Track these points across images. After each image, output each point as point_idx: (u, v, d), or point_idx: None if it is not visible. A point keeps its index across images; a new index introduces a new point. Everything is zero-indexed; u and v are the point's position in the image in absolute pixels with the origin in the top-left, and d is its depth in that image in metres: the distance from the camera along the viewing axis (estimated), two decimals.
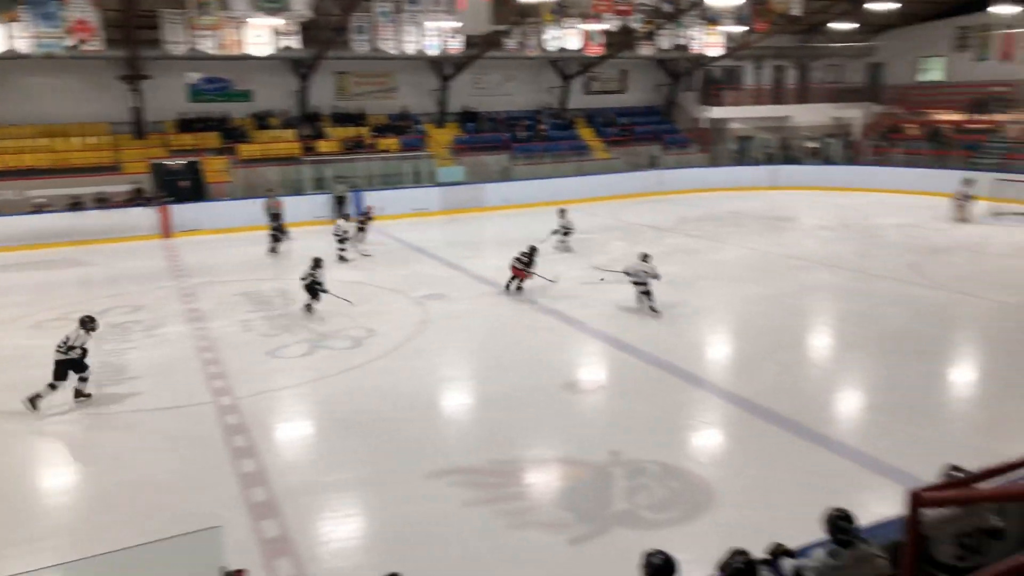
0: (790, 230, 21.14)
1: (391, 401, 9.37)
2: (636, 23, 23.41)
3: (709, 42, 26.15)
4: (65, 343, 9.12)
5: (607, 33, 24.73)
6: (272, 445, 8.35)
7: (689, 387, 9.77)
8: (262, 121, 26.01)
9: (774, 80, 33.45)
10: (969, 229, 20.15)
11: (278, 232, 19.29)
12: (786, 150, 31.44)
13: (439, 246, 19.88)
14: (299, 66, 25.54)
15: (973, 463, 4.20)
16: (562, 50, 24.53)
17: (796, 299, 14.02)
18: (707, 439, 8.47)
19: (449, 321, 12.79)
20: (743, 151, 31.74)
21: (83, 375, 9.28)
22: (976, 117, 28.84)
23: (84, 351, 9.25)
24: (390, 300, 14.30)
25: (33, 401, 9.02)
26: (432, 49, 21.94)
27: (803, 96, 33.12)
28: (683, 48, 26.62)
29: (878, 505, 5.73)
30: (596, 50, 25.59)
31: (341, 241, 17.59)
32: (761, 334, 11.89)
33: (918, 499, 2.29)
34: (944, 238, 19.13)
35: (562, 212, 19.00)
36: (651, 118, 32.34)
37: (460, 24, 20.74)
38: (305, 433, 8.98)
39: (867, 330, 11.91)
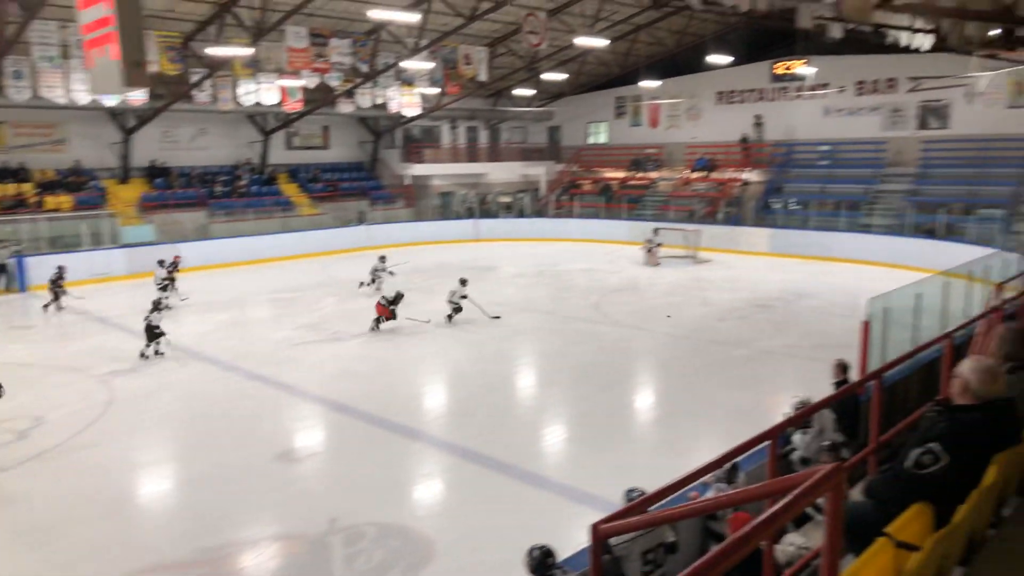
0: (491, 279, 22.53)
1: (66, 501, 8.11)
2: (335, 80, 23.63)
3: (406, 102, 27.28)
4: None
5: (306, 89, 24.62)
6: None
7: (406, 441, 9.85)
8: None
9: (468, 139, 35.78)
10: (650, 271, 23.18)
11: (56, 299, 18.42)
12: (484, 205, 33.67)
13: (126, 314, 17.88)
14: None
15: (656, 481, 4.79)
16: (259, 104, 23.87)
17: (500, 343, 14.91)
18: (425, 492, 8.59)
19: (140, 400, 11.50)
20: (446, 206, 33.36)
21: None
22: (635, 175, 33.54)
23: None
24: (65, 381, 12.49)
25: None
26: (109, 99, 20.00)
27: (495, 155, 35.85)
28: (382, 107, 27.43)
29: (582, 534, 6.21)
30: (295, 106, 25.32)
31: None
32: (471, 379, 12.45)
33: (597, 531, 2.54)
34: (619, 279, 21.78)
35: (382, 258, 20.44)
36: (356, 174, 32.64)
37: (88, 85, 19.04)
38: None
39: (562, 367, 13.06)
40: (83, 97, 19.30)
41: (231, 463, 9.06)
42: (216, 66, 21.94)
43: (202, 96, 23.22)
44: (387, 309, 15.36)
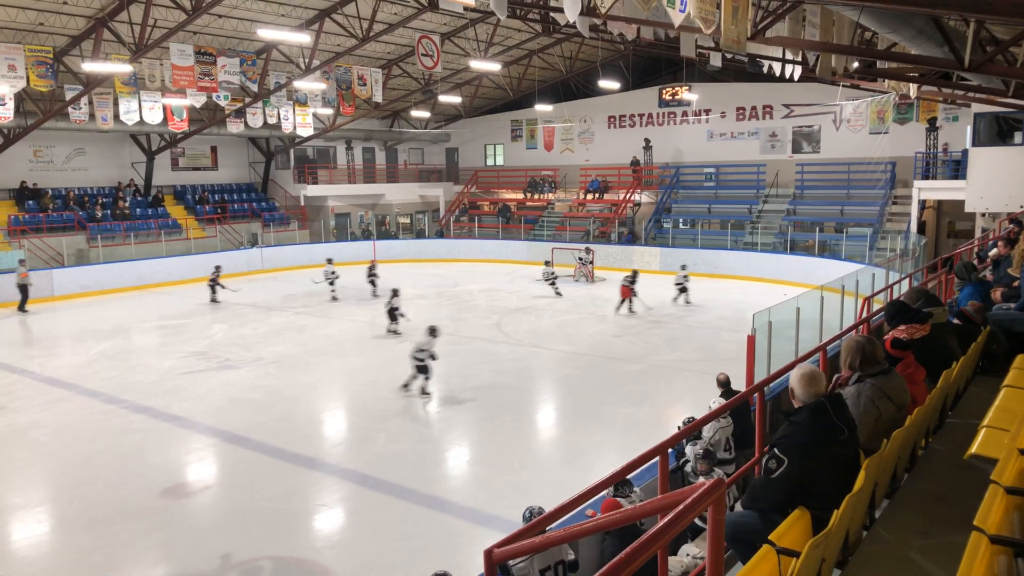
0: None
1: None
2: (223, 100, 22.89)
3: (299, 122, 26.75)
4: None
5: (193, 108, 23.74)
6: None
7: (303, 470, 9.55)
8: None
9: (365, 160, 35.42)
10: (552, 288, 23.52)
11: (23, 303, 20.69)
12: (382, 226, 33.32)
13: None
14: None
15: (557, 499, 4.85)
16: (141, 123, 22.81)
17: (399, 366, 14.64)
18: (323, 522, 8.35)
19: (8, 437, 10.67)
20: (342, 227, 32.81)
21: None
22: (532, 196, 34.10)
23: None
24: None
25: None
26: None
27: (393, 176, 35.63)
28: (274, 127, 26.78)
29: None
30: (181, 125, 24.36)
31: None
32: (369, 404, 12.23)
33: (490, 556, 2.55)
34: (519, 299, 22.01)
35: (329, 260, 22.51)
36: (247, 195, 31.65)
37: None
38: None
39: (463, 388, 13.04)
40: None
41: (113, 502, 8.52)
42: (93, 83, 20.83)
43: (78, 114, 21.96)
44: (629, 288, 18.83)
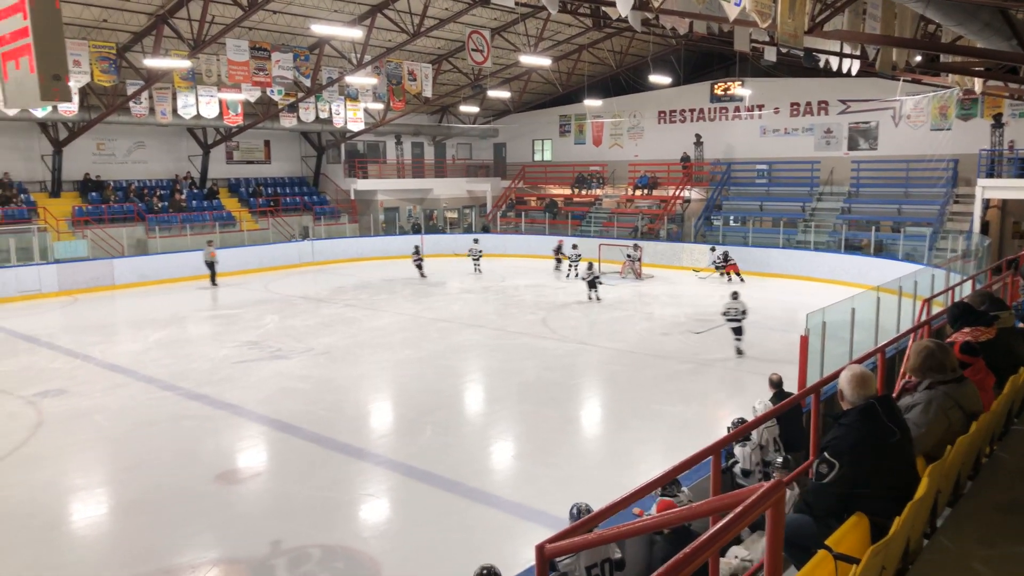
0: (438, 295, 22.45)
1: None
2: (276, 95, 23.32)
3: (350, 117, 27.08)
4: None
5: (247, 103, 24.24)
6: None
7: (351, 460, 9.70)
8: None
9: (413, 155, 35.71)
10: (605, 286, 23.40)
11: (213, 278, 23.71)
12: (429, 220, 33.57)
13: (57, 333, 17.25)
14: None
15: (602, 495, 4.83)
16: (198, 117, 23.38)
17: (446, 360, 14.85)
18: (370, 512, 8.46)
19: (72, 421, 11.07)
20: (391, 221, 33.16)
21: None
22: (579, 192, 33.95)
23: None
24: None
25: None
26: (38, 110, 19.33)
27: (441, 171, 35.84)
28: (326, 121, 27.18)
29: (530, 551, 6.21)
30: (236, 119, 24.88)
31: None
32: (416, 396, 12.35)
33: (542, 551, 2.55)
34: (566, 295, 21.95)
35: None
36: (299, 188, 32.21)
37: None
38: None
39: (508, 383, 13.08)
40: (4, 108, 18.56)
41: (168, 485, 8.78)
42: (153, 78, 21.43)
43: (138, 108, 22.66)
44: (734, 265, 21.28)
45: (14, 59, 4.29)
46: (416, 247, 26.21)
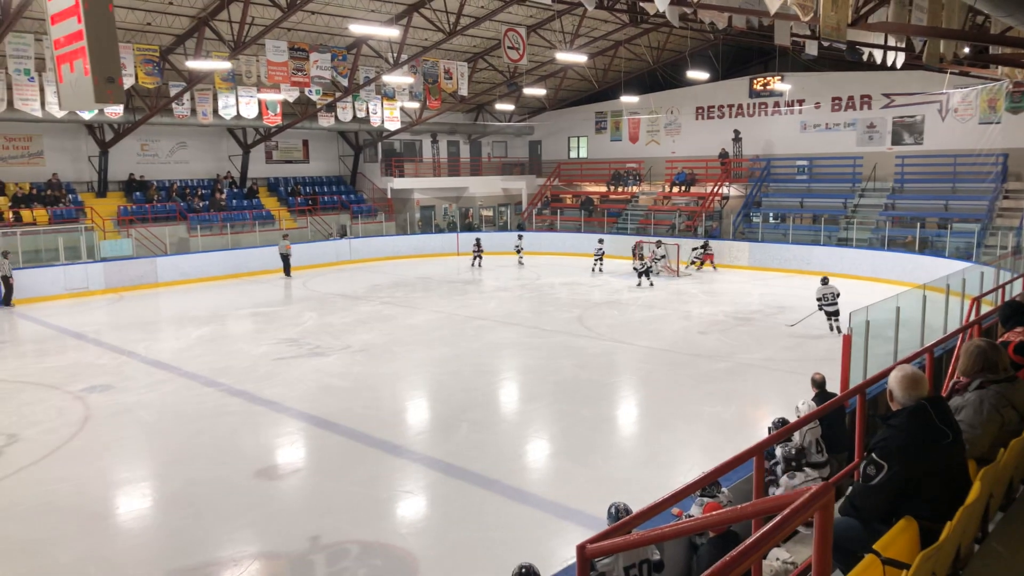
0: (473, 293, 22.51)
1: (43, 519, 7.96)
2: (315, 94, 23.59)
3: (387, 116, 27.28)
4: None
5: (286, 103, 24.57)
6: None
7: (388, 456, 9.76)
8: None
9: (449, 153, 35.85)
10: (635, 284, 23.30)
11: (287, 269, 25.45)
12: (465, 218, 33.67)
13: (103, 329, 17.69)
14: None
15: (640, 495, 4.78)
16: (238, 117, 23.78)
17: (482, 357, 14.88)
18: (407, 508, 8.50)
19: (117, 415, 11.34)
20: (427, 219, 33.35)
21: None
22: (616, 189, 33.74)
23: None
24: (40, 397, 12.27)
25: None
26: (85, 113, 19.83)
27: (476, 169, 35.93)
28: (363, 121, 27.43)
29: (567, 550, 6.20)
30: (275, 119, 25.25)
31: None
32: (453, 394, 12.39)
33: (583, 551, 2.52)
34: (601, 293, 21.84)
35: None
36: (337, 187, 32.57)
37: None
38: None
39: (544, 381, 13.04)
40: (59, 110, 19.10)
41: (210, 480, 8.93)
42: (195, 79, 21.84)
43: (181, 109, 23.12)
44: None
45: (69, 62, 4.39)
46: (478, 240, 27.94)
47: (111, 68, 4.15)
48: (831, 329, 15.67)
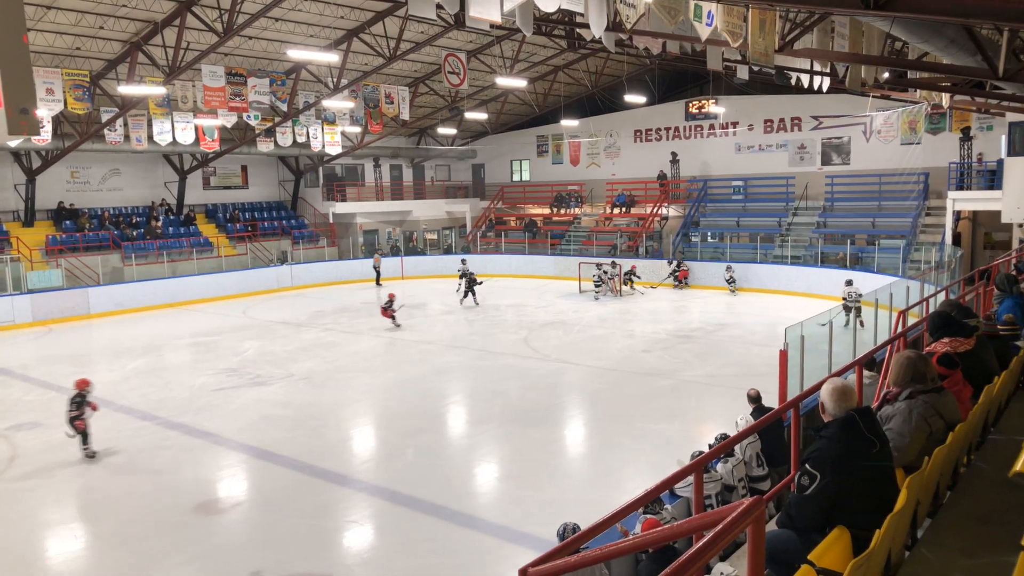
0: (420, 316, 22.37)
1: None
2: (253, 120, 23.27)
3: (328, 140, 27.08)
4: None
5: (224, 128, 24.16)
6: None
7: (333, 486, 9.59)
8: None
9: (392, 177, 35.72)
10: (591, 305, 23.49)
11: (378, 279, 28.63)
12: (409, 242, 33.55)
13: (31, 364, 16.96)
14: None
15: (590, 516, 4.80)
16: (174, 143, 23.27)
17: (428, 382, 14.76)
18: (353, 539, 8.35)
19: (46, 453, 10.86)
20: (370, 244, 33.09)
21: None
22: (558, 211, 34.11)
23: None
24: None
25: None
26: (11, 141, 19.11)
27: (420, 192, 35.88)
28: (303, 145, 27.15)
29: (515, 574, 6.15)
30: (212, 145, 24.79)
31: None
32: (398, 420, 12.25)
33: (525, 575, 2.53)
34: (547, 314, 21.97)
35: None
36: (277, 212, 32.08)
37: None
38: None
39: (491, 403, 13.02)
40: None
41: (146, 518, 8.62)
42: (128, 105, 21.31)
43: (113, 135, 22.51)
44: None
45: None
46: (463, 259, 26.85)
47: (25, 99, 4.03)
48: (860, 325, 16.05)
